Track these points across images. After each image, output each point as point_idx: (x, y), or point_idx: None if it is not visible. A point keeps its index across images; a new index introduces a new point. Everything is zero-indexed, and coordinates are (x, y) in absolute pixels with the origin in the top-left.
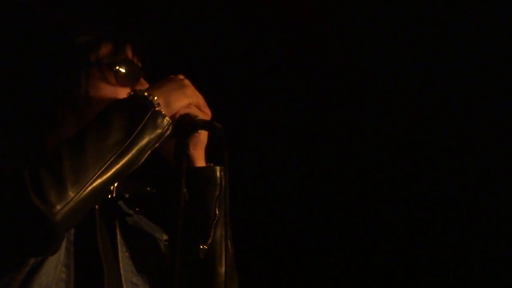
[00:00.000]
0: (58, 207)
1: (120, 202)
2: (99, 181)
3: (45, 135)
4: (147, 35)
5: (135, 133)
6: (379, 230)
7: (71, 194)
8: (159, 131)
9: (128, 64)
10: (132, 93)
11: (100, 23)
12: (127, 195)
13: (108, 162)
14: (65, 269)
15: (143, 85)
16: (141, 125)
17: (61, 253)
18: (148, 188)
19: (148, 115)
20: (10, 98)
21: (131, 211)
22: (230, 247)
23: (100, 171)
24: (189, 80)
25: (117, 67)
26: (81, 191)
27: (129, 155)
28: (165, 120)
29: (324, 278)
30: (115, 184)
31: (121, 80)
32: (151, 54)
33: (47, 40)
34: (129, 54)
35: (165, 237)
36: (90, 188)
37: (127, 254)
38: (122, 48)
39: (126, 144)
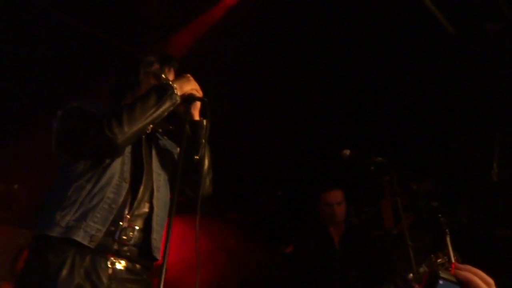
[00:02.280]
0: (119, 136)
1: (157, 134)
2: (141, 124)
3: (119, 103)
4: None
5: (161, 101)
6: None
7: (126, 130)
8: (174, 101)
9: (164, 75)
10: (164, 81)
11: (158, 52)
12: (160, 130)
13: (147, 115)
14: (124, 166)
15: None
16: (165, 97)
17: (123, 158)
18: (171, 127)
19: (169, 92)
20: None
21: (161, 138)
22: (209, 158)
23: (143, 119)
24: (192, 77)
25: (159, 75)
26: (132, 129)
27: (158, 113)
28: (177, 96)
29: None
30: (151, 126)
31: (156, 81)
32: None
33: (131, 57)
34: (167, 70)
35: (178, 149)
36: (136, 128)
37: (157, 159)
38: (164, 67)
39: (157, 106)
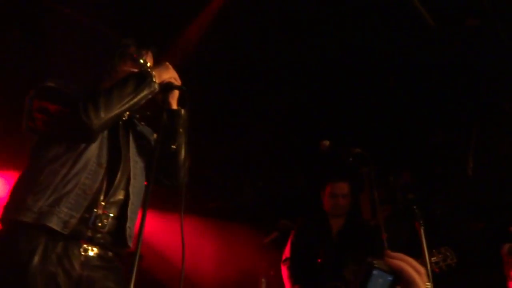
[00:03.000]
0: (95, 122)
1: (135, 120)
2: (118, 111)
3: (96, 85)
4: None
5: (139, 88)
6: None
7: (102, 115)
8: (152, 89)
9: (140, 58)
10: (142, 69)
11: (135, 36)
12: (138, 116)
13: (124, 102)
14: (101, 151)
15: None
16: (143, 85)
17: (99, 143)
18: (148, 113)
19: (148, 80)
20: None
21: (139, 124)
22: (185, 147)
23: (119, 106)
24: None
25: (136, 59)
26: (108, 115)
27: (135, 100)
28: (156, 84)
29: None
30: (127, 113)
31: (133, 65)
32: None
33: (109, 40)
34: (144, 53)
35: (155, 135)
36: (113, 114)
37: (134, 145)
38: (141, 51)
39: (134, 93)
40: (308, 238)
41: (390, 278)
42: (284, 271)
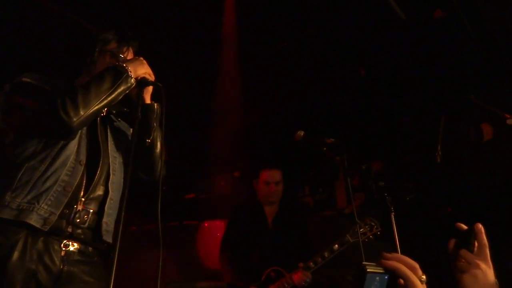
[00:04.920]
0: (74, 119)
1: (112, 115)
2: (97, 107)
3: (74, 80)
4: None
5: (116, 84)
6: None
7: (81, 113)
8: (129, 84)
9: (122, 55)
10: (117, 64)
11: (115, 30)
12: (114, 111)
13: (102, 98)
14: (80, 147)
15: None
16: (120, 80)
17: (78, 139)
18: (125, 109)
19: (124, 76)
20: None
21: (116, 120)
22: (161, 141)
23: (98, 102)
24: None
25: (116, 55)
26: (87, 112)
27: (113, 96)
28: (132, 79)
29: None
30: (105, 109)
31: (113, 60)
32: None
33: (88, 34)
34: (125, 49)
35: (131, 130)
36: (91, 111)
37: (112, 142)
38: (122, 46)
39: (112, 90)
40: (243, 227)
41: (386, 277)
42: (221, 262)
